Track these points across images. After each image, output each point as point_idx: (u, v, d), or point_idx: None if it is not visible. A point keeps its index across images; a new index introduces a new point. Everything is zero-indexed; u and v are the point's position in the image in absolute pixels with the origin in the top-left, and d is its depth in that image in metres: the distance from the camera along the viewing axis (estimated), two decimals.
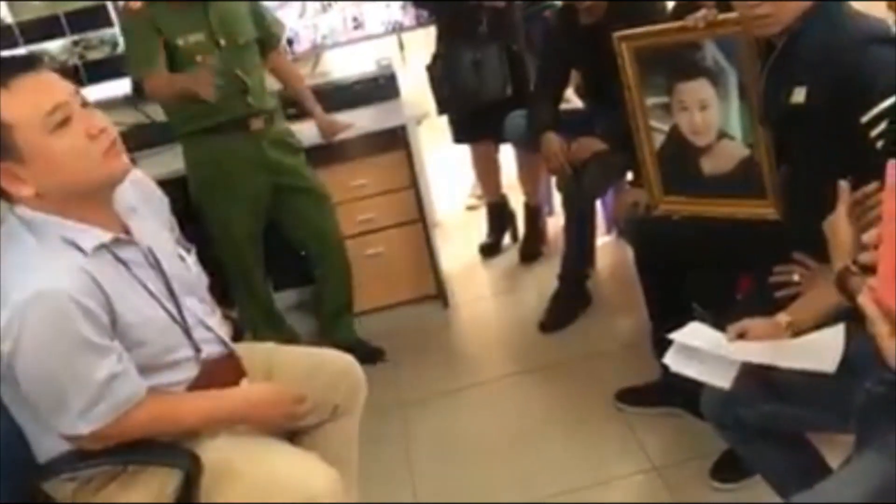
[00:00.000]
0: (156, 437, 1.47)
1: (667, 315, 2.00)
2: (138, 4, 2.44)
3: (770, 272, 1.76)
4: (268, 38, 2.69)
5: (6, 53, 2.96)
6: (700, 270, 2.15)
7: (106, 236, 1.42)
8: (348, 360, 1.82)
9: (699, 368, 1.57)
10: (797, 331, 1.54)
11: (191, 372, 1.53)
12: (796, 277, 1.72)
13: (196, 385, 1.53)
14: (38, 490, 1.46)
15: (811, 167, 1.72)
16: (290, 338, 2.82)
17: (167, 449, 1.46)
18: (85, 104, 1.40)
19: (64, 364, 1.34)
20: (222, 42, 2.49)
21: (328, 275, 2.86)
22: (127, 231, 1.49)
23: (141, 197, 1.58)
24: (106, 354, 1.37)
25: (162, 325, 1.48)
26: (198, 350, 1.53)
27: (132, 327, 1.41)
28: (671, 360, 1.62)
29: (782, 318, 1.58)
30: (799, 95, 1.65)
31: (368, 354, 2.76)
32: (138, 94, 2.63)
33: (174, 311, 1.50)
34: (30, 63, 1.36)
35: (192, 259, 1.63)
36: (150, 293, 1.47)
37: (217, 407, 1.53)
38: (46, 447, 1.46)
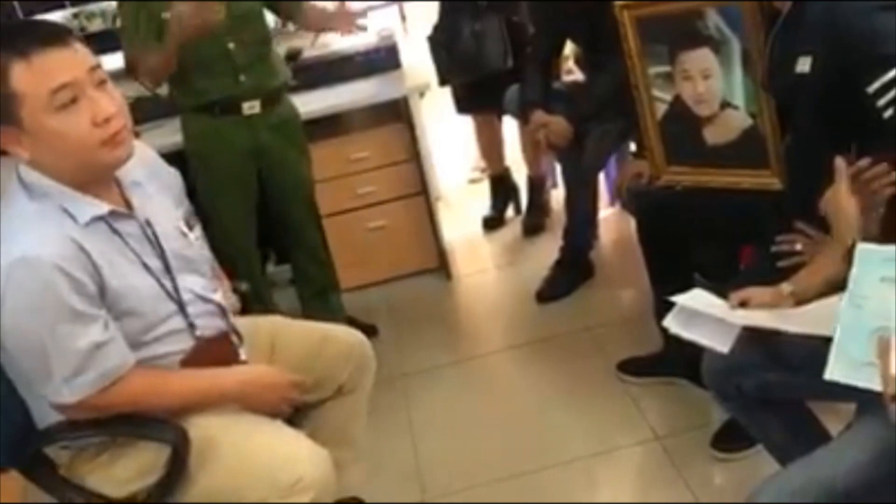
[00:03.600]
0: (147, 411, 1.47)
1: (669, 285, 2.00)
2: None
3: (773, 242, 1.75)
4: (283, 6, 2.58)
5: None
6: (703, 241, 2.15)
7: (103, 209, 1.43)
8: (357, 337, 1.82)
9: (699, 331, 1.57)
10: (800, 300, 1.54)
11: (183, 345, 1.52)
12: (799, 247, 1.71)
13: (190, 360, 1.52)
14: (40, 453, 1.48)
15: (815, 136, 1.71)
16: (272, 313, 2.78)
17: (156, 423, 1.46)
18: (102, 82, 1.39)
19: (46, 330, 1.34)
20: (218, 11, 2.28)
21: (304, 255, 2.80)
22: (128, 204, 1.49)
23: (147, 172, 1.57)
24: (90, 323, 1.37)
25: (154, 297, 1.47)
26: (192, 325, 1.52)
27: (122, 297, 1.41)
28: (671, 322, 1.62)
29: (785, 287, 1.57)
30: (804, 64, 1.63)
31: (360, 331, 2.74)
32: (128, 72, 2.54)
33: (169, 285, 1.50)
34: (55, 36, 1.35)
35: (194, 234, 1.62)
36: (145, 266, 1.47)
37: (211, 385, 1.53)
38: (43, 414, 1.47)
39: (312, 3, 2.69)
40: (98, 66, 1.39)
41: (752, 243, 2.05)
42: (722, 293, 1.63)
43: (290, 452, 1.48)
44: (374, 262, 3.14)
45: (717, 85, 1.97)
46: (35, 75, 1.32)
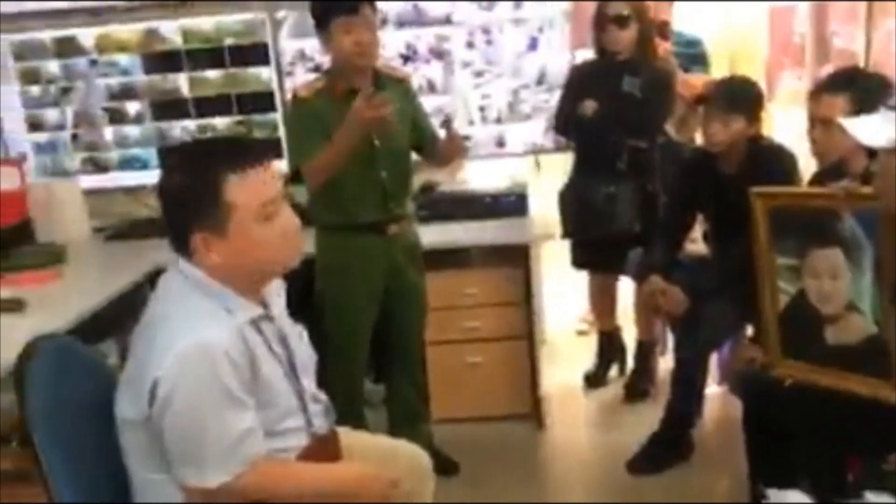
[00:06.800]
0: (270, 500, 1.54)
1: (769, 480, 1.92)
2: (307, 93, 2.54)
3: (883, 458, 1.66)
4: (427, 142, 2.73)
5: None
6: (810, 441, 2.06)
7: (257, 310, 1.56)
8: (418, 451, 1.92)
9: None
10: None
11: (300, 441, 1.62)
12: None
13: (305, 455, 1.62)
14: None
15: None
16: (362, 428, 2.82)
17: None
18: (287, 196, 1.57)
19: (212, 412, 1.44)
20: (377, 143, 2.50)
21: (404, 379, 2.87)
22: (266, 307, 1.62)
23: (277, 282, 1.70)
24: (246, 410, 1.48)
25: (285, 393, 1.59)
26: (309, 422, 1.63)
27: (264, 390, 1.53)
28: None
29: None
30: None
31: (441, 465, 2.71)
32: (291, 180, 2.72)
33: (295, 383, 1.62)
34: (261, 156, 1.53)
35: (305, 338, 1.73)
36: (280, 364, 1.59)
37: (331, 478, 1.63)
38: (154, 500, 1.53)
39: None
40: (283, 180, 1.58)
41: (860, 454, 1.94)
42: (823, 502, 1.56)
43: None
44: (468, 398, 3.14)
45: (844, 286, 1.93)
46: (248, 189, 1.48)
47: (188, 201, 1.50)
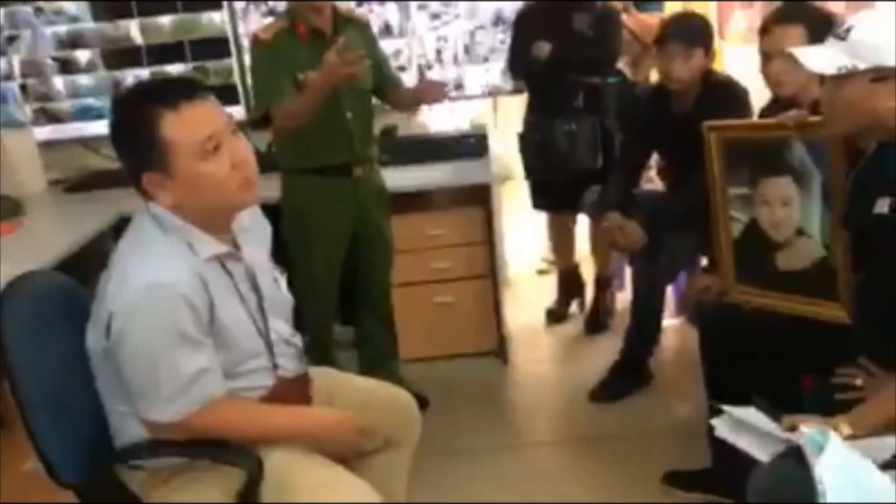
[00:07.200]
0: (230, 438, 1.55)
1: (726, 403, 2.01)
2: (268, 35, 2.53)
3: (833, 374, 1.77)
4: (387, 85, 2.76)
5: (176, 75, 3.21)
6: (765, 364, 2.16)
7: (221, 248, 1.56)
8: (405, 394, 1.91)
9: (743, 439, 1.59)
10: (853, 436, 1.54)
11: (266, 382, 1.63)
12: (859, 382, 1.73)
13: (270, 397, 1.62)
14: (112, 473, 1.56)
15: (888, 276, 1.74)
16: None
17: (236, 449, 1.54)
18: (235, 131, 1.54)
19: (163, 351, 1.45)
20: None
21: (373, 320, 2.93)
22: (236, 247, 1.62)
23: (252, 220, 1.70)
24: (200, 350, 1.49)
25: (249, 334, 1.59)
26: (275, 365, 1.64)
27: (224, 330, 1.53)
28: (719, 424, 1.65)
29: (840, 420, 1.58)
30: (882, 206, 1.66)
31: None
32: (253, 125, 2.72)
33: (261, 325, 1.62)
34: (196, 90, 1.50)
35: (283, 283, 1.75)
36: (245, 305, 1.59)
37: (291, 421, 1.63)
38: (126, 432, 1.56)
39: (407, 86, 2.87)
40: (231, 117, 1.55)
41: (813, 372, 2.05)
42: (777, 417, 1.65)
43: (362, 497, 1.55)
44: (436, 336, 3.21)
45: (794, 213, 2.01)
46: (185, 125, 1.46)
47: (129, 143, 1.49)
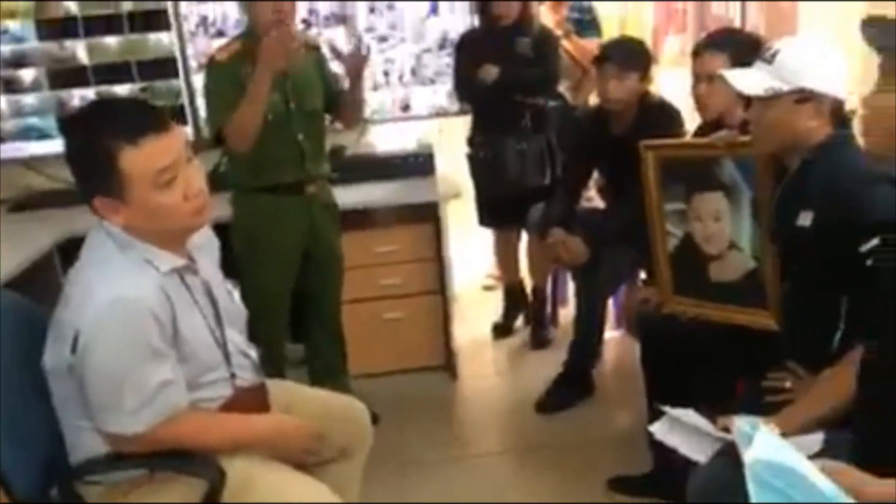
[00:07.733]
0: (191, 448, 1.59)
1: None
2: (224, 57, 2.56)
3: (764, 378, 1.88)
4: (339, 103, 2.79)
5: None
6: (702, 370, 2.26)
7: (179, 261, 1.60)
8: (358, 404, 1.97)
9: (681, 441, 1.68)
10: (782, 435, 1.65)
11: (224, 392, 1.66)
12: (788, 385, 1.84)
13: (228, 407, 1.66)
14: (70, 489, 1.57)
15: (811, 285, 1.86)
16: None
17: (197, 459, 1.57)
18: (190, 159, 1.57)
19: (129, 364, 1.48)
20: (292, 105, 2.59)
21: (324, 336, 2.96)
22: (192, 260, 1.66)
23: (204, 237, 1.75)
24: (164, 362, 1.52)
25: (207, 346, 1.63)
26: (233, 375, 1.68)
27: (185, 343, 1.57)
28: (657, 428, 1.73)
29: (771, 425, 1.68)
30: (805, 219, 1.79)
31: None
32: (211, 144, 2.72)
33: (219, 336, 1.66)
34: (160, 124, 1.52)
35: (236, 295, 1.79)
36: (204, 317, 1.63)
37: (249, 429, 1.67)
38: (82, 448, 1.58)
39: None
40: (188, 143, 1.58)
41: (747, 377, 2.16)
42: (713, 420, 1.75)
43: (318, 498, 1.59)
44: (384, 352, 3.26)
45: (725, 227, 2.12)
46: (143, 158, 1.48)
47: (85, 169, 1.52)
